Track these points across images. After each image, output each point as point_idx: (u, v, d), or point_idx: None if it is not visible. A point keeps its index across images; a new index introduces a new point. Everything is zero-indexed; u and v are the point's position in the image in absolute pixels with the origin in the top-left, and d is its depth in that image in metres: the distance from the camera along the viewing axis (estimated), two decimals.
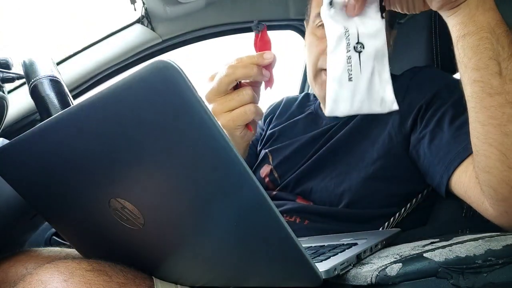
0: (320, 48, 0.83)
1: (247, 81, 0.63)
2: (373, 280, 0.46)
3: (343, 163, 0.82)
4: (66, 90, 0.77)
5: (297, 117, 0.98)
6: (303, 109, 1.00)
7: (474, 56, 0.50)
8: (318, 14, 0.83)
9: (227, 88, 0.61)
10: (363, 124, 0.83)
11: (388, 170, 0.77)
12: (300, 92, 1.52)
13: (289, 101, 1.06)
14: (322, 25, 0.83)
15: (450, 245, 0.49)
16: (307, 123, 0.95)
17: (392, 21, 0.88)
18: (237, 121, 0.61)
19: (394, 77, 0.88)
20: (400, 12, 0.59)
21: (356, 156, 0.81)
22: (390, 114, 0.80)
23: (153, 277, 0.54)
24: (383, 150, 0.78)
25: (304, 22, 0.96)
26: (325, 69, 0.81)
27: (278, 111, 1.05)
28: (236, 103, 0.61)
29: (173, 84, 0.36)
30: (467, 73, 0.51)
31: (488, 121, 0.51)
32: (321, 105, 0.95)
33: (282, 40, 1.50)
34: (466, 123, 0.57)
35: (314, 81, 0.86)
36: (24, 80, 0.78)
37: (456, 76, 1.24)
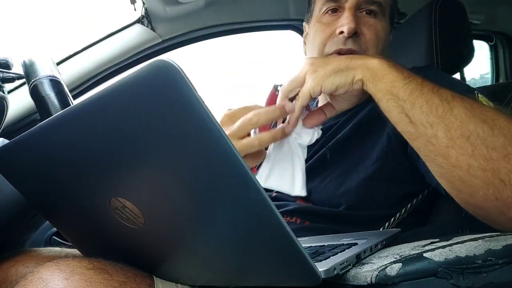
0: (327, 33, 0.83)
1: None
2: (373, 280, 0.46)
3: (342, 164, 0.82)
4: (66, 90, 0.77)
5: None
6: None
7: (389, 115, 0.60)
8: (325, 2, 0.84)
9: (247, 134, 0.65)
10: (362, 125, 0.83)
11: (388, 170, 0.77)
12: None
13: None
14: (328, 12, 0.84)
15: (450, 245, 0.49)
16: None
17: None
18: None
19: None
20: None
21: (356, 157, 0.81)
22: None
23: (153, 276, 0.55)
24: (382, 151, 0.78)
25: (304, 23, 0.96)
26: (332, 54, 0.82)
27: None
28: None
29: (173, 84, 0.36)
30: (395, 126, 0.60)
31: (425, 156, 0.58)
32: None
33: (282, 40, 1.49)
34: None
35: None
36: (24, 80, 0.78)
37: (456, 76, 1.25)
